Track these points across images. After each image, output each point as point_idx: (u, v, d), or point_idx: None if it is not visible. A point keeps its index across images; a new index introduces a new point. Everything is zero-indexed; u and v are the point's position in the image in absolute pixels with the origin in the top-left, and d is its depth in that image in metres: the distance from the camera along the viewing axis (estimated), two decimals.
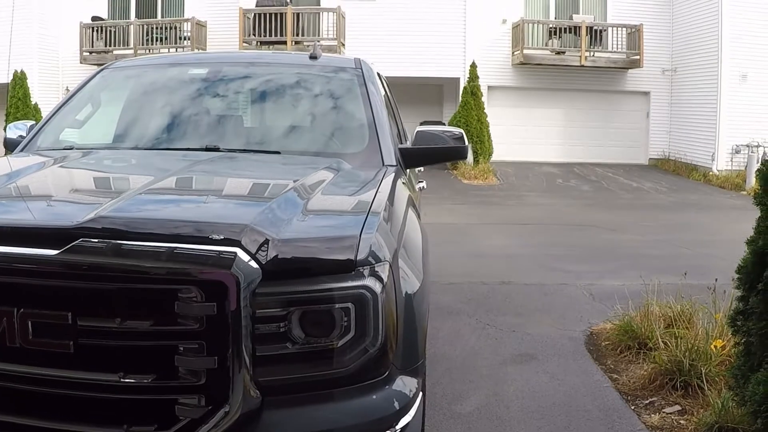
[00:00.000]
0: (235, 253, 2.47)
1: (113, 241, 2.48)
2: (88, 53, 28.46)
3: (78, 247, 2.45)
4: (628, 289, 7.50)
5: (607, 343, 6.75)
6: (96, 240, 2.47)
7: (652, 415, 5.18)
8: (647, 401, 5.43)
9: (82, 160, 4.33)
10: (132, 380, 2.48)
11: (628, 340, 6.46)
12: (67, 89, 27.84)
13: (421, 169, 7.32)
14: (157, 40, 28.21)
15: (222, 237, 2.51)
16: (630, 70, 27.82)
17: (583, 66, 26.96)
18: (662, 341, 5.94)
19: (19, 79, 27.39)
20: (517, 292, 9.09)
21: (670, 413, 5.19)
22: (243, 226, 2.59)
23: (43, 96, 27.67)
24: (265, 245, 2.55)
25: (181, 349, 2.46)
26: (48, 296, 2.53)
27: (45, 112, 26.13)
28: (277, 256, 2.55)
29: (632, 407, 5.36)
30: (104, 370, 2.49)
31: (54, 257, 2.45)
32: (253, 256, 2.50)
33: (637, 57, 27.09)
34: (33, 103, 27.30)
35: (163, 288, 2.49)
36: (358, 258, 2.61)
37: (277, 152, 4.66)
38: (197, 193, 3.60)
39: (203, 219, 2.79)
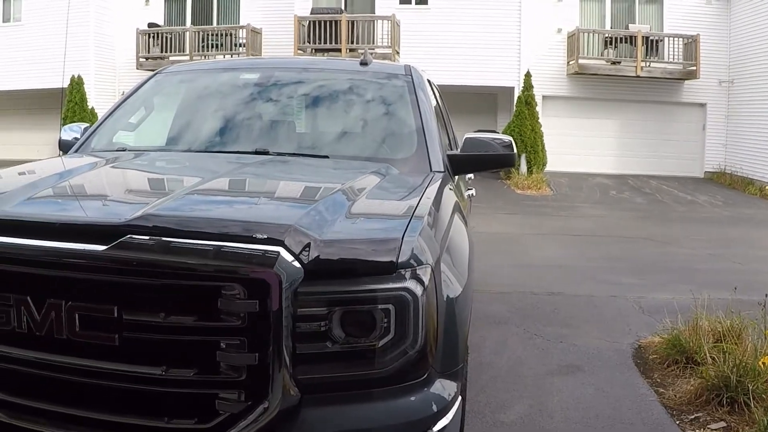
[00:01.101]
0: (279, 252, 2.50)
1: (159, 238, 2.53)
2: (144, 59, 28.90)
3: (125, 243, 2.50)
4: (677, 302, 7.44)
5: (654, 356, 6.70)
6: (143, 237, 2.53)
7: (697, 431, 5.15)
8: (692, 416, 5.40)
9: (134, 160, 4.41)
10: (174, 374, 2.53)
11: (675, 354, 6.42)
12: (124, 94, 28.24)
13: (472, 177, 7.32)
14: (212, 47, 28.57)
15: (266, 236, 2.55)
16: (686, 81, 27.58)
17: (638, 76, 26.77)
18: (710, 356, 5.89)
19: (76, 83, 27.91)
20: (565, 303, 9.08)
21: (715, 429, 5.15)
22: (287, 227, 2.62)
23: (100, 101, 28.17)
24: (308, 245, 2.58)
25: (223, 345, 2.50)
26: (95, 290, 2.59)
27: (100, 116, 26.70)
28: (319, 256, 2.57)
29: (677, 422, 5.33)
30: (147, 363, 2.55)
31: (102, 252, 2.51)
32: (296, 256, 2.53)
33: (694, 68, 26.84)
34: (90, 107, 27.74)
35: (207, 285, 2.53)
36: (399, 260, 2.62)
37: (326, 156, 4.68)
38: (243, 193, 3.66)
39: (248, 218, 2.82)
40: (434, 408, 2.73)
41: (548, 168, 26.50)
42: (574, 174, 26.93)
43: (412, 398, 2.70)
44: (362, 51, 26.00)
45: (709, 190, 25.22)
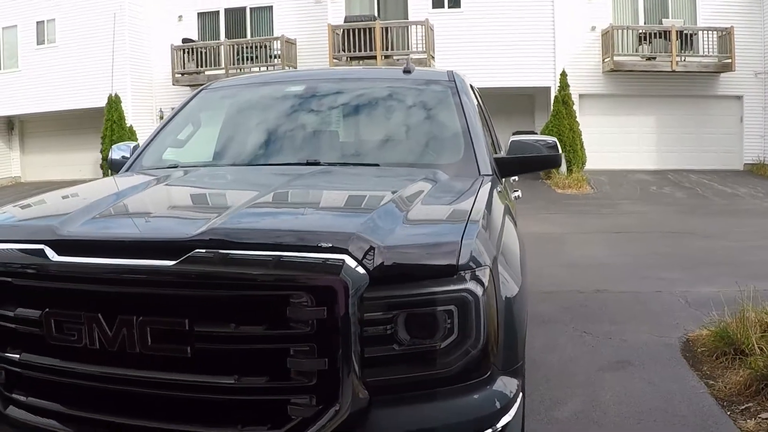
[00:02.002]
0: (343, 260, 2.57)
1: (226, 251, 2.64)
2: (180, 75, 29.18)
3: (194, 257, 2.61)
4: (723, 295, 7.40)
5: (702, 349, 6.75)
6: (211, 251, 2.63)
7: (748, 421, 5.21)
8: (743, 407, 5.46)
9: (190, 177, 4.53)
10: (246, 382, 2.62)
11: (723, 346, 6.46)
12: (161, 111, 28.56)
13: (516, 178, 7.40)
14: (247, 59, 28.79)
15: (330, 245, 2.63)
16: (722, 74, 27.47)
17: (674, 71, 26.69)
18: (758, 347, 5.96)
19: (114, 102, 28.18)
20: (612, 300, 9.13)
21: (766, 418, 5.20)
22: (350, 234, 2.68)
23: (137, 118, 28.49)
24: (371, 252, 2.64)
25: (293, 351, 2.57)
26: (166, 304, 2.68)
27: (139, 134, 27.08)
28: (382, 262, 2.63)
29: (728, 413, 5.39)
30: (220, 373, 2.63)
31: (171, 267, 2.62)
32: (360, 263, 2.60)
33: (729, 60, 26.73)
34: (128, 125, 27.98)
35: (275, 294, 2.61)
36: (459, 263, 2.68)
37: (376, 165, 4.75)
38: (303, 205, 3.72)
39: (311, 228, 2.89)
40: (497, 405, 2.79)
41: (588, 166, 26.47)
42: (614, 171, 26.88)
43: (476, 396, 2.75)
44: (398, 57, 26.29)
45: (749, 182, 25.09)
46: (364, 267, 2.60)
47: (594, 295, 9.40)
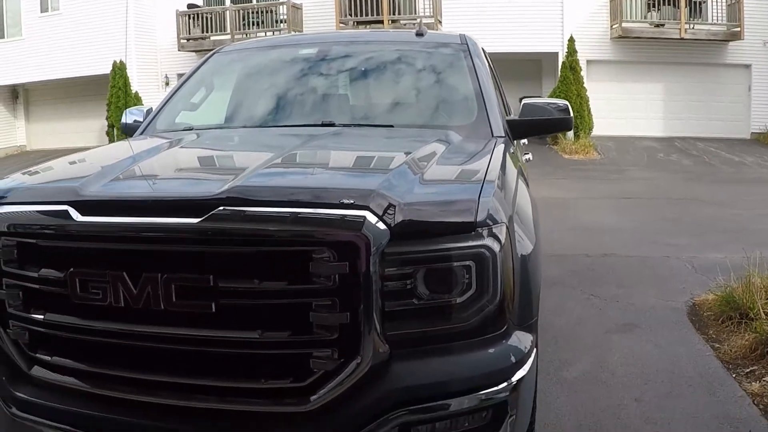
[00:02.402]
0: (365, 216, 2.61)
1: (250, 209, 2.68)
2: (185, 40, 29.03)
3: (218, 214, 2.64)
4: (730, 261, 7.48)
5: (708, 313, 6.83)
6: (235, 208, 2.67)
7: (753, 383, 5.28)
8: (748, 369, 5.54)
9: (206, 139, 4.56)
10: (270, 337, 2.67)
11: (729, 310, 6.53)
12: (167, 77, 28.50)
13: (525, 141, 7.45)
14: (253, 25, 28.57)
15: (352, 201, 2.67)
16: (730, 43, 27.30)
17: (682, 39, 26.54)
18: (763, 312, 6.03)
19: (119, 69, 28.13)
20: (619, 264, 9.21)
21: None
22: (370, 191, 2.73)
23: (143, 84, 28.39)
24: (391, 208, 2.68)
25: (315, 306, 2.62)
26: (190, 261, 2.73)
27: (145, 100, 26.99)
28: (402, 218, 2.67)
29: (733, 375, 5.47)
30: (243, 328, 2.68)
31: (196, 225, 2.65)
32: (381, 219, 2.64)
33: (738, 29, 26.58)
34: (134, 91, 27.89)
35: (298, 250, 2.64)
36: (477, 220, 2.73)
37: (390, 126, 4.79)
38: (322, 164, 3.78)
39: (332, 186, 2.97)
40: (512, 359, 2.85)
41: (595, 132, 26.41)
42: (621, 138, 26.83)
43: (492, 350, 2.82)
44: (405, 22, 26.19)
45: (756, 151, 25.04)
46: (384, 223, 2.65)
47: (601, 259, 9.48)
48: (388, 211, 2.69)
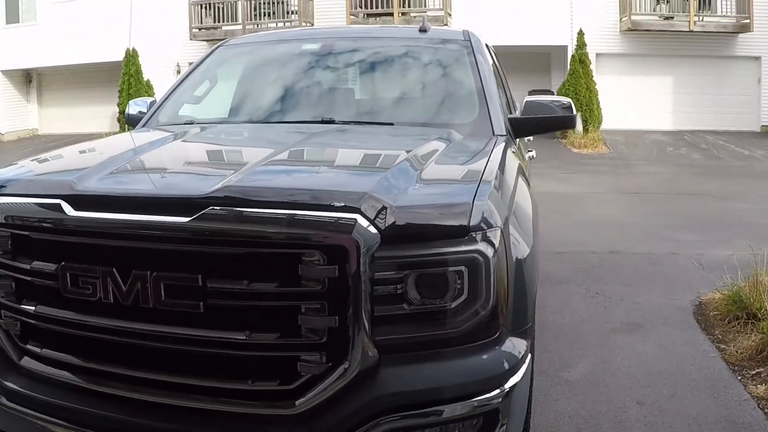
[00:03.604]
0: (356, 219, 2.60)
1: (240, 209, 2.66)
2: (197, 30, 29.03)
3: (208, 214, 2.64)
4: (737, 258, 7.43)
5: (715, 313, 6.74)
6: (225, 208, 2.66)
7: (758, 386, 5.20)
8: (754, 372, 5.45)
9: (205, 134, 4.55)
10: (258, 338, 2.66)
11: (736, 310, 6.45)
12: (178, 65, 28.55)
13: (531, 138, 7.37)
14: (264, 15, 28.57)
15: (343, 204, 2.65)
16: (740, 35, 27.13)
17: (692, 31, 26.40)
18: None
19: (131, 56, 28.38)
20: (626, 261, 9.13)
21: None
22: (362, 194, 2.70)
23: (155, 72, 28.48)
24: (383, 211, 2.66)
25: (304, 309, 2.61)
26: (179, 260, 2.72)
27: (157, 88, 27.13)
28: (394, 222, 2.65)
29: (738, 377, 5.39)
30: (231, 328, 2.67)
31: (185, 224, 2.65)
32: (372, 222, 2.62)
33: (747, 21, 26.42)
34: (146, 79, 28.05)
35: (287, 252, 2.63)
36: (470, 224, 2.70)
37: (390, 124, 4.77)
38: (317, 163, 3.76)
39: (324, 187, 2.92)
40: (506, 365, 2.81)
41: (604, 126, 26.36)
42: (630, 131, 26.73)
43: (484, 356, 2.78)
44: (415, 15, 26.13)
45: (766, 144, 24.89)
46: (375, 226, 2.63)
47: (608, 256, 9.40)
48: (380, 215, 2.66)
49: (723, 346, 5.99)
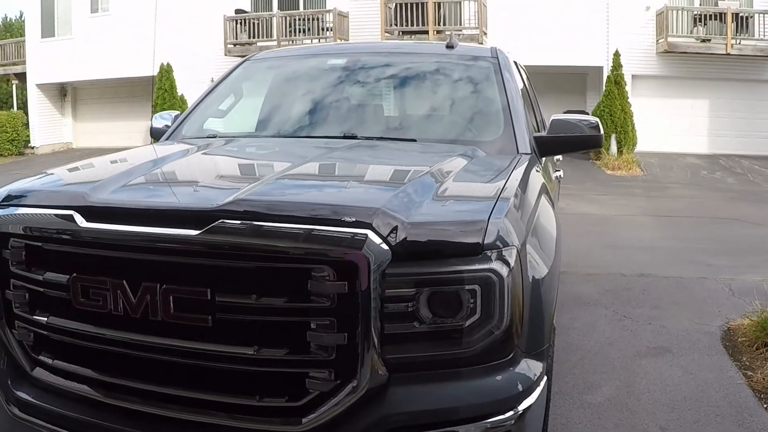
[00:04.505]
0: (367, 235, 2.58)
1: (250, 223, 2.65)
2: (232, 45, 29.26)
3: (217, 227, 2.62)
4: None
5: (743, 339, 6.65)
6: (234, 221, 2.64)
7: None
8: None
9: (224, 147, 4.56)
10: (266, 354, 2.65)
11: (765, 336, 6.37)
12: (213, 81, 28.67)
13: (560, 158, 7.32)
14: (299, 32, 28.73)
15: (354, 219, 2.63)
16: None
17: (728, 54, 26.19)
18: None
19: (165, 71, 28.68)
20: (655, 284, 9.04)
21: None
22: (375, 210, 2.68)
23: (189, 87, 28.68)
24: (396, 228, 2.64)
25: (313, 325, 2.59)
26: (189, 273, 2.71)
27: (190, 103, 27.21)
28: (406, 238, 2.63)
29: (764, 405, 5.32)
30: (240, 343, 2.67)
31: (195, 237, 2.64)
32: (384, 238, 2.60)
33: None
34: (179, 94, 28.29)
35: (297, 267, 2.61)
36: (485, 242, 2.66)
37: (413, 140, 4.74)
38: (332, 178, 3.73)
39: (337, 202, 2.90)
40: (519, 387, 2.78)
41: (638, 148, 26.19)
42: (665, 154, 26.56)
43: (498, 377, 2.75)
44: (450, 33, 26.06)
45: None
46: (387, 243, 2.60)
47: (637, 279, 9.30)
48: (392, 231, 2.63)
49: (750, 373, 5.90)
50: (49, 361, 3.01)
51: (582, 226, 12.95)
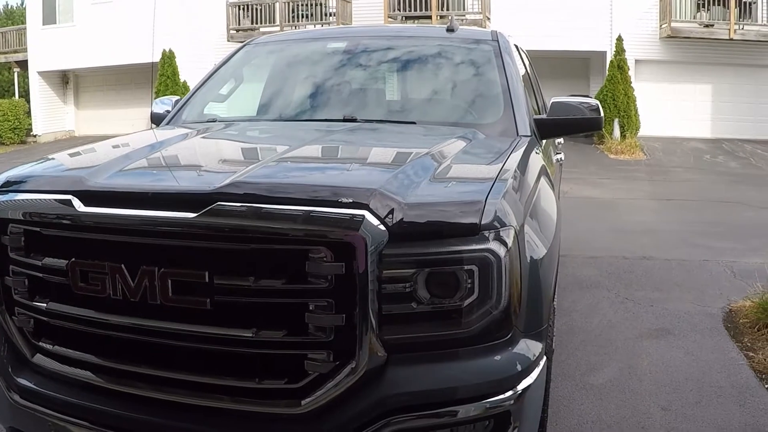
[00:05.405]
0: (364, 216, 2.56)
1: (248, 205, 2.64)
2: (234, 31, 29.10)
3: (215, 210, 2.62)
4: None
5: (744, 320, 6.67)
6: (232, 204, 2.64)
7: None
8: None
9: (224, 130, 4.53)
10: (264, 336, 2.64)
11: (766, 318, 6.39)
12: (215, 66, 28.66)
13: (561, 142, 7.30)
14: (302, 17, 28.55)
15: (351, 200, 2.62)
16: None
17: (731, 39, 26.10)
18: None
19: (168, 57, 28.56)
20: (657, 267, 9.05)
21: None
22: (372, 191, 2.67)
23: (192, 74, 28.50)
24: (393, 209, 2.63)
25: (311, 306, 2.58)
26: (187, 256, 2.71)
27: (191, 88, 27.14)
28: (403, 219, 2.62)
29: (766, 386, 5.34)
30: (238, 326, 2.66)
31: (193, 219, 2.63)
32: (381, 219, 2.59)
33: None
34: (182, 81, 28.23)
35: (295, 249, 2.60)
36: (482, 222, 2.65)
37: (413, 123, 4.74)
38: (330, 160, 3.73)
39: (334, 183, 2.88)
40: (518, 367, 2.77)
41: (641, 132, 26.12)
42: (668, 138, 26.52)
43: (497, 357, 2.74)
44: (453, 18, 26.01)
45: None
46: (384, 224, 2.59)
47: (640, 262, 9.32)
48: (390, 212, 2.63)
49: (751, 354, 5.92)
50: (50, 347, 3.02)
51: (585, 209, 12.95)
